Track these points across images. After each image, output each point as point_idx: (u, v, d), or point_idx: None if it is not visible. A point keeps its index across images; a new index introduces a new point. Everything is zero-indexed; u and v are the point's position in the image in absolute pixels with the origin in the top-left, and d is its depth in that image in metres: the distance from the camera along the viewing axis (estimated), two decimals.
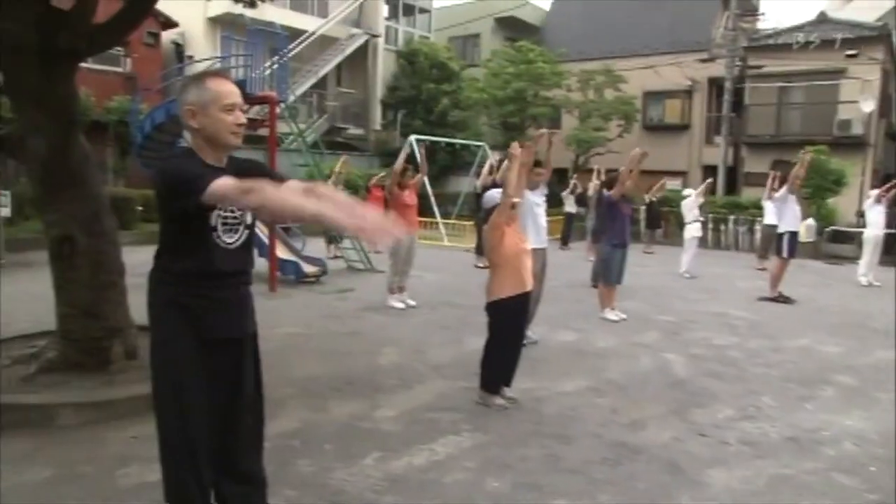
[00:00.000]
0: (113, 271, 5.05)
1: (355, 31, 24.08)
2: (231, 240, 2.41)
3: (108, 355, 4.96)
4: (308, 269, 10.16)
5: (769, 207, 13.11)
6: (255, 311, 2.60)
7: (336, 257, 12.47)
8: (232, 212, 2.38)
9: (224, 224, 2.37)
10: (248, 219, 2.46)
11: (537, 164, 6.57)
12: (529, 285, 4.76)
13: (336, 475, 3.55)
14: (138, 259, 5.67)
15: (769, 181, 12.46)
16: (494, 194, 4.82)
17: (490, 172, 10.29)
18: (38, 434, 4.01)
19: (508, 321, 4.71)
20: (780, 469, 3.84)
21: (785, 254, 9.56)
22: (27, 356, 5.03)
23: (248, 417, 2.57)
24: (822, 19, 21.21)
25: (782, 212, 9.74)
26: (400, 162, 8.71)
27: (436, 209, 17.61)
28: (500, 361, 4.76)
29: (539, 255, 6.01)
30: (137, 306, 5.18)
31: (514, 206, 4.74)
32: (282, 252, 10.17)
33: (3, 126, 12.34)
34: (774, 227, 12.77)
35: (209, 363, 2.40)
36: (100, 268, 4.95)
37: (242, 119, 2.38)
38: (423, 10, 28.00)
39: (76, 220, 4.84)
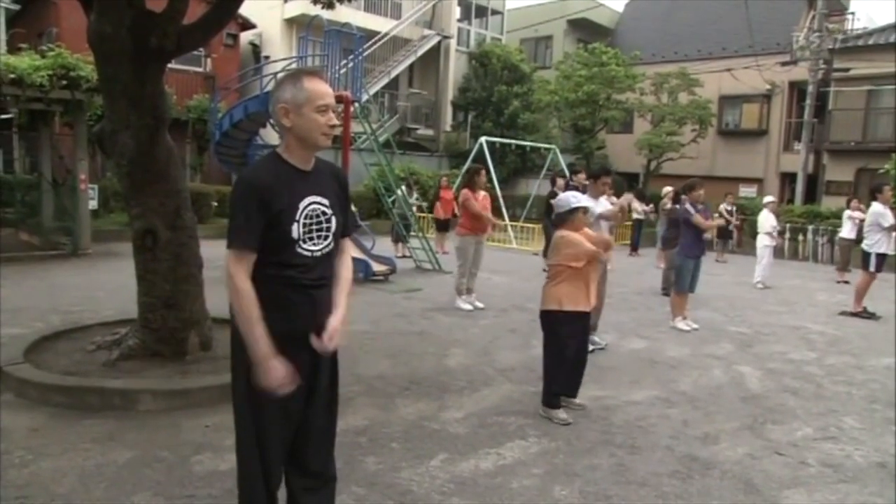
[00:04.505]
0: (192, 264, 5.23)
1: (428, 32, 24.23)
2: (315, 248, 2.39)
3: (185, 345, 5.14)
4: (377, 267, 10.29)
5: (847, 220, 12.52)
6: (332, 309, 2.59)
7: (404, 257, 12.57)
8: (316, 218, 2.36)
9: (308, 234, 2.35)
10: (335, 225, 2.43)
11: (606, 173, 6.50)
12: (591, 304, 4.61)
13: (403, 475, 3.56)
14: (213, 253, 5.86)
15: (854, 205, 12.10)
16: (569, 198, 4.69)
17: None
18: (119, 417, 4.19)
19: (562, 336, 4.55)
20: (868, 497, 3.64)
21: (872, 268, 9.09)
22: (109, 342, 5.26)
23: (321, 416, 2.56)
24: None
25: (873, 230, 9.18)
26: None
27: (504, 212, 17.55)
28: (558, 375, 4.60)
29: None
30: (213, 299, 5.40)
31: (585, 211, 4.66)
32: (351, 251, 10.30)
33: (95, 123, 13.01)
34: (852, 240, 12.25)
35: (287, 359, 2.39)
36: (180, 260, 5.14)
37: (335, 120, 2.37)
38: (495, 12, 27.92)
39: (159, 214, 5.04)
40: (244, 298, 2.27)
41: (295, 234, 2.32)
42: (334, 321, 2.43)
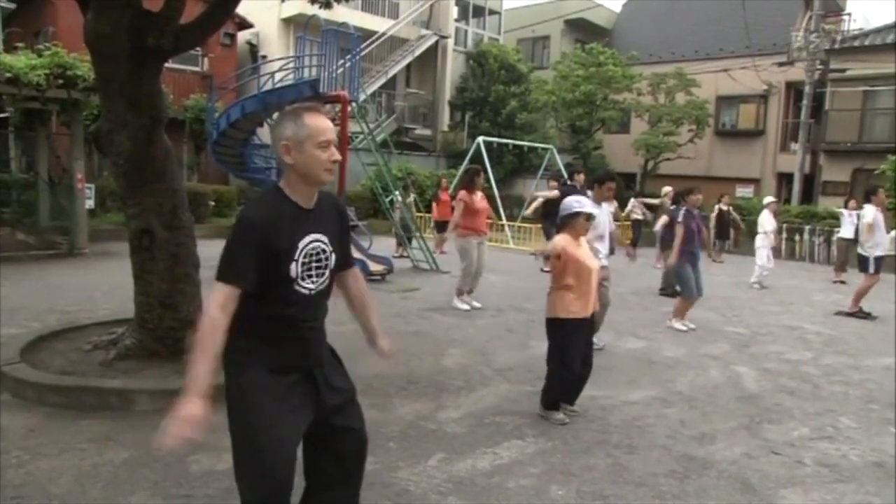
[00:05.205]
0: (189, 264, 5.22)
1: (425, 32, 24.24)
2: (313, 285, 2.37)
3: (182, 345, 5.12)
4: (374, 267, 10.29)
5: (845, 220, 12.56)
6: (325, 339, 2.53)
7: (402, 256, 12.57)
8: (315, 256, 2.34)
9: (307, 272, 2.33)
10: (332, 262, 2.42)
11: (610, 178, 6.44)
12: (591, 309, 4.55)
13: (400, 474, 3.57)
14: (210, 252, 5.87)
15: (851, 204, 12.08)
16: (573, 202, 4.60)
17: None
18: (116, 417, 4.18)
19: (567, 341, 4.48)
20: (864, 496, 3.64)
21: (871, 271, 9.10)
22: (106, 342, 5.25)
23: (349, 430, 2.52)
24: None
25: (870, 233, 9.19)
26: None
27: (502, 211, 17.55)
28: (560, 381, 4.54)
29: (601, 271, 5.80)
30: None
31: (589, 218, 4.56)
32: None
33: (92, 122, 13.00)
34: (850, 240, 12.28)
35: (281, 381, 2.35)
36: (176, 260, 5.12)
37: (337, 156, 2.34)
38: (492, 12, 27.93)
39: (156, 213, 5.03)
40: (209, 325, 2.21)
41: (293, 273, 2.30)
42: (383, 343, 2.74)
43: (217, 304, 2.23)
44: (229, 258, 2.27)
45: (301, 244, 2.31)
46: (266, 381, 2.33)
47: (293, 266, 2.30)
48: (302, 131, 2.29)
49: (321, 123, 2.32)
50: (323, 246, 2.37)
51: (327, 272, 2.41)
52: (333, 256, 2.42)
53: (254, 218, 2.32)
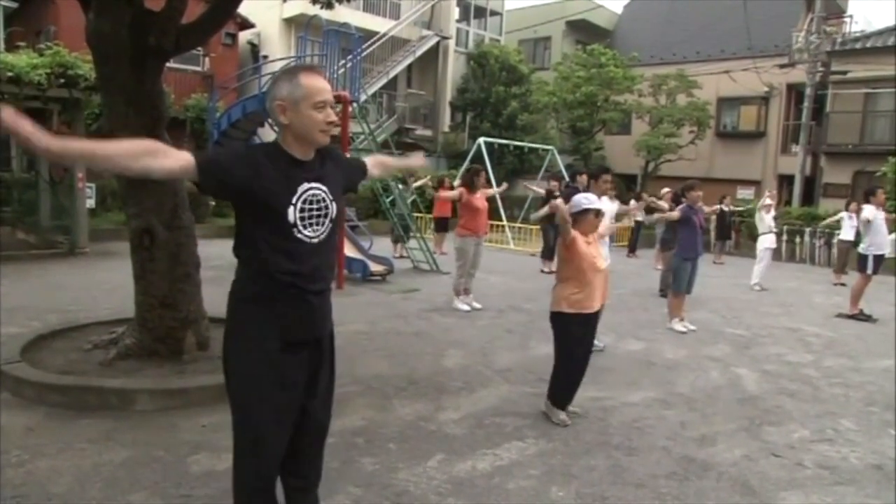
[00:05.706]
0: (189, 263, 5.23)
1: (426, 32, 24.24)
2: (314, 234, 2.34)
3: (182, 345, 5.13)
4: (374, 267, 10.28)
5: (846, 222, 12.56)
6: (332, 310, 2.56)
7: (402, 257, 12.56)
8: (315, 203, 2.33)
9: (306, 219, 2.31)
10: (333, 211, 2.40)
11: (605, 171, 6.53)
12: (597, 305, 4.55)
13: (400, 475, 3.56)
14: (210, 252, 5.90)
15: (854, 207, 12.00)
16: (582, 199, 4.57)
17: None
18: (116, 417, 4.18)
19: (571, 336, 4.50)
20: (864, 499, 3.64)
21: (869, 271, 9.11)
22: (106, 342, 5.26)
23: (317, 417, 2.55)
24: None
25: (870, 232, 9.22)
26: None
27: (502, 212, 17.55)
28: (564, 375, 4.56)
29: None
30: (210, 298, 5.39)
31: (598, 214, 4.55)
32: (349, 250, 10.33)
33: (93, 122, 12.96)
34: (850, 242, 12.28)
35: (284, 359, 2.36)
36: (177, 260, 5.13)
37: (333, 117, 2.33)
38: (494, 13, 27.93)
39: (157, 213, 5.03)
40: (138, 140, 2.15)
41: (291, 218, 2.28)
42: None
43: (169, 147, 2.20)
44: (213, 150, 2.26)
45: (299, 189, 2.30)
46: (268, 353, 2.34)
47: (291, 210, 2.28)
48: (297, 91, 2.27)
49: (317, 84, 2.30)
50: (322, 194, 2.36)
51: (328, 220, 2.39)
52: (334, 205, 2.40)
53: (251, 148, 2.38)
